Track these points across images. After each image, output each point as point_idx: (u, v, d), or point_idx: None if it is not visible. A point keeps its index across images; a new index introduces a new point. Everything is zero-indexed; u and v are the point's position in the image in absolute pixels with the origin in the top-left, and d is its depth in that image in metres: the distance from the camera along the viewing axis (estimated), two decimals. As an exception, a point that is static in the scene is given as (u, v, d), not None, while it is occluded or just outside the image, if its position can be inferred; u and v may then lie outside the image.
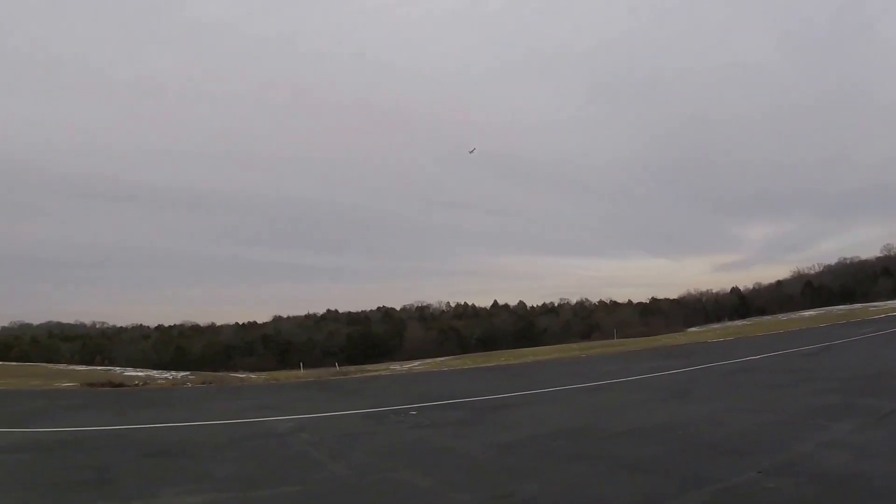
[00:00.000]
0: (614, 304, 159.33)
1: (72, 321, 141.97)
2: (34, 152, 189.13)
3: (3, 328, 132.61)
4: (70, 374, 39.19)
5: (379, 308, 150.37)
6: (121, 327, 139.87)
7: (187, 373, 44.72)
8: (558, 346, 66.58)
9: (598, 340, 71.49)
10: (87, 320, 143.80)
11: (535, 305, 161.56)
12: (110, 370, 46.80)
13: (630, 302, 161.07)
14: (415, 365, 50.98)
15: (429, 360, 59.12)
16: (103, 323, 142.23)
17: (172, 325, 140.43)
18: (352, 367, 53.13)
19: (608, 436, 12.26)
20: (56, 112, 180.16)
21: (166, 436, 14.95)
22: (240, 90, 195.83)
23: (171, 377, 38.28)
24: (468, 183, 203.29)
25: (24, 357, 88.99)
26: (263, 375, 44.73)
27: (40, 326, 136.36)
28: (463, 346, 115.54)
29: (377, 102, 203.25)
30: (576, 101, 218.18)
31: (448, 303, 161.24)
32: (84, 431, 15.71)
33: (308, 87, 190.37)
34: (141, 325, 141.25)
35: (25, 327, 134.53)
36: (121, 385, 31.13)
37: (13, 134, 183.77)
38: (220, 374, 47.54)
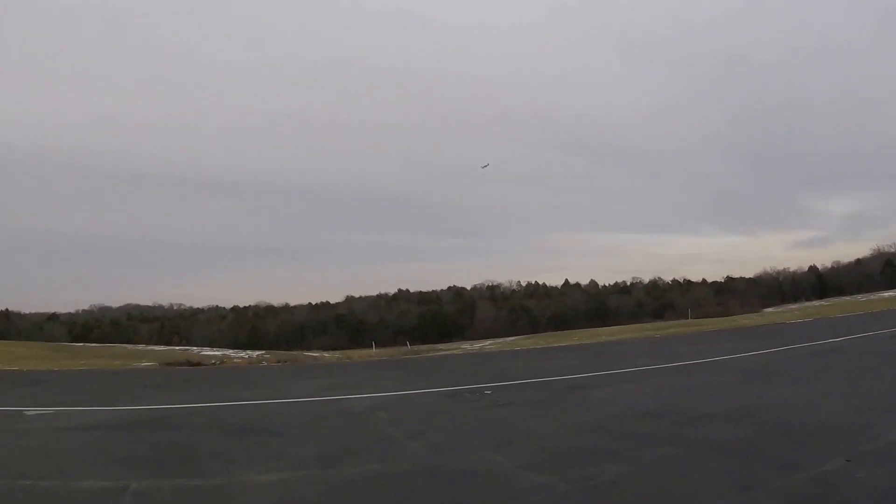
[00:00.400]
0: (688, 282, 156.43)
1: (150, 304, 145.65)
2: (115, 144, 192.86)
3: (84, 311, 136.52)
4: (149, 355, 40.06)
5: (450, 287, 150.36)
6: (197, 308, 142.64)
7: (262, 352, 45.33)
8: (632, 325, 65.65)
9: (672, 320, 70.48)
10: (165, 302, 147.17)
11: (606, 284, 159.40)
12: (188, 350, 47.62)
13: (704, 281, 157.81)
14: (486, 344, 50.84)
15: (500, 340, 58.91)
16: (180, 305, 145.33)
17: (248, 305, 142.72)
18: (423, 347, 53.24)
19: (690, 418, 11.96)
20: (137, 104, 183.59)
21: (244, 414, 15.16)
22: (317, 76, 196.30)
23: (246, 356, 38.85)
24: (538, 159, 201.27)
25: (104, 338, 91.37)
26: (337, 354, 45.13)
27: (119, 309, 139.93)
28: (534, 325, 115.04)
29: (442, 79, 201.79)
30: (655, 79, 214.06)
31: (518, 282, 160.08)
32: (164, 409, 16.00)
33: (383, 69, 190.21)
34: (217, 306, 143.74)
35: (105, 310, 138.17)
36: (198, 364, 31.73)
37: (100, 127, 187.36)
38: (295, 353, 48.03)
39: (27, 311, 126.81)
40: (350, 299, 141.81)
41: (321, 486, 8.32)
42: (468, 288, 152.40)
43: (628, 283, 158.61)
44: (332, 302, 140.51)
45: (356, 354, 42.05)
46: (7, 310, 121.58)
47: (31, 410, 15.79)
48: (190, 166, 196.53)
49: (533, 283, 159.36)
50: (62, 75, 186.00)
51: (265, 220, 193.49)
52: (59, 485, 8.80)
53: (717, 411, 12.39)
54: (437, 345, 60.08)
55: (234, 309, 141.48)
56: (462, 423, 12.61)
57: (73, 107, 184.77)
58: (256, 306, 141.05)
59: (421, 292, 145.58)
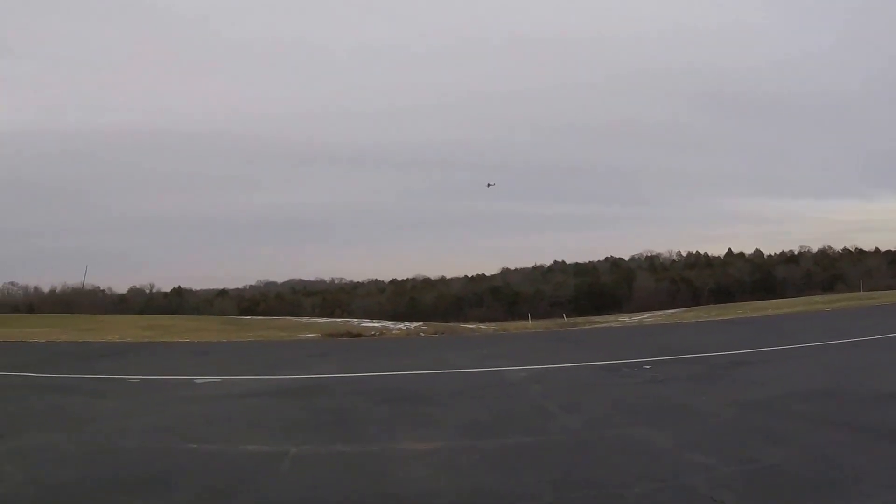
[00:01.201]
0: (860, 252, 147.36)
1: (312, 278, 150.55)
2: (277, 126, 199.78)
3: (251, 286, 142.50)
4: (312, 327, 41.37)
5: (607, 258, 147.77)
6: (357, 282, 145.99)
7: (420, 323, 45.99)
8: (800, 298, 62.80)
9: (843, 293, 66.98)
10: (327, 277, 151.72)
11: (772, 254, 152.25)
12: (349, 322, 48.95)
13: (878, 250, 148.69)
14: (645, 317, 49.87)
15: (659, 313, 57.59)
16: (341, 279, 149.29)
17: (405, 278, 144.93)
18: (580, 319, 52.76)
19: (863, 399, 11.25)
20: (281, 88, 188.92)
21: (402, 383, 15.39)
22: (449, 48, 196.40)
23: (404, 328, 39.49)
24: (695, 123, 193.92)
25: (269, 312, 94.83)
26: (493, 326, 45.37)
27: (284, 284, 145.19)
28: (695, 297, 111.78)
29: (591, 44, 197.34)
30: (820, 32, 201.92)
31: (679, 251, 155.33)
32: (326, 378, 16.50)
33: (523, 38, 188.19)
34: (376, 279, 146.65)
35: (270, 285, 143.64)
36: (358, 335, 32.50)
37: (259, 111, 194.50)
38: (451, 324, 48.63)
39: (198, 288, 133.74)
40: (505, 271, 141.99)
41: (475, 456, 8.33)
42: (626, 258, 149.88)
43: (795, 253, 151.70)
44: (487, 274, 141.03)
45: (512, 326, 42.13)
46: (180, 287, 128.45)
47: (201, 379, 16.61)
48: (348, 145, 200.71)
49: (694, 252, 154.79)
50: (232, 67, 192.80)
51: (422, 193, 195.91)
52: (222, 448, 9.24)
53: (892, 392, 11.71)
54: (593, 317, 59.29)
55: (393, 282, 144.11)
56: (619, 398, 12.35)
57: (248, 96, 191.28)
58: (414, 279, 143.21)
59: (577, 263, 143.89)
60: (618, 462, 7.94)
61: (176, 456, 8.85)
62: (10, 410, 13.05)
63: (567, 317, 56.09)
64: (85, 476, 8.00)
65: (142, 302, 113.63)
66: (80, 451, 9.35)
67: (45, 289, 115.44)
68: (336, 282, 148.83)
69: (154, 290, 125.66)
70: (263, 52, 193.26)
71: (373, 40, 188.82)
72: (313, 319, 58.85)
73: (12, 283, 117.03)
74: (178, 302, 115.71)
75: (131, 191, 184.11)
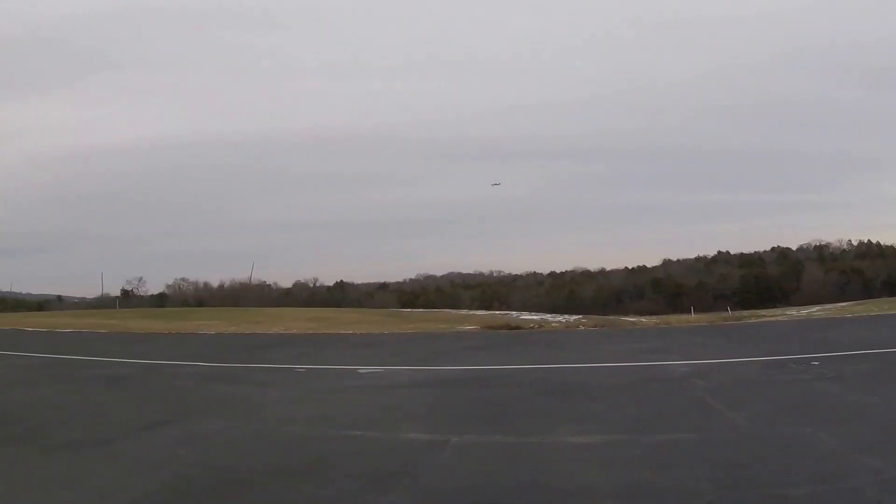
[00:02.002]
0: None
1: (471, 271, 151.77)
2: (432, 123, 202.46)
3: (411, 280, 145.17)
4: (471, 319, 41.80)
5: (773, 248, 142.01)
6: (516, 275, 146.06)
7: (579, 316, 45.62)
8: None
9: None
10: (485, 270, 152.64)
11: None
12: (507, 314, 49.08)
13: None
14: (813, 310, 47.56)
15: (828, 306, 54.73)
16: (500, 271, 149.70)
17: (564, 271, 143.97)
18: (744, 312, 50.94)
19: None
20: (432, 83, 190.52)
21: (561, 376, 15.37)
22: (600, 37, 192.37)
23: (564, 320, 39.27)
24: (864, 103, 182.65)
25: (429, 305, 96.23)
26: (654, 319, 44.42)
27: (443, 277, 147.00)
28: (867, 289, 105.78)
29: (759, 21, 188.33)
30: None
31: (849, 240, 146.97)
32: (486, 370, 16.66)
33: (684, 24, 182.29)
34: (534, 272, 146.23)
35: (430, 279, 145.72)
36: (517, 328, 32.58)
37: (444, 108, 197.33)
38: (611, 317, 47.93)
39: (359, 282, 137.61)
40: (667, 262, 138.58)
41: (636, 451, 8.22)
42: (793, 248, 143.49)
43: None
44: (648, 266, 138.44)
45: (674, 320, 41.15)
46: (342, 281, 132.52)
47: (364, 369, 17.12)
48: (506, 138, 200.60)
49: (865, 241, 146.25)
50: (380, 67, 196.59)
51: (581, 184, 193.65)
52: (385, 436, 9.51)
53: None
54: (759, 310, 57.20)
55: (551, 274, 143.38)
56: (785, 396, 11.89)
57: (400, 93, 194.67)
58: (573, 271, 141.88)
59: (742, 254, 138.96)
60: (782, 461, 7.66)
61: (340, 443, 9.18)
62: (183, 397, 13.87)
63: (731, 310, 54.37)
64: (252, 461, 8.40)
65: (306, 296, 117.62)
66: (247, 437, 9.85)
67: (214, 284, 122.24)
68: (494, 275, 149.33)
69: (317, 285, 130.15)
70: (410, 49, 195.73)
71: (523, 33, 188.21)
72: (472, 312, 59.41)
73: (183, 279, 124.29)
74: (341, 295, 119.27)
75: (296, 191, 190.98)
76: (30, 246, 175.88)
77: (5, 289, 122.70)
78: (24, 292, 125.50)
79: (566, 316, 46.94)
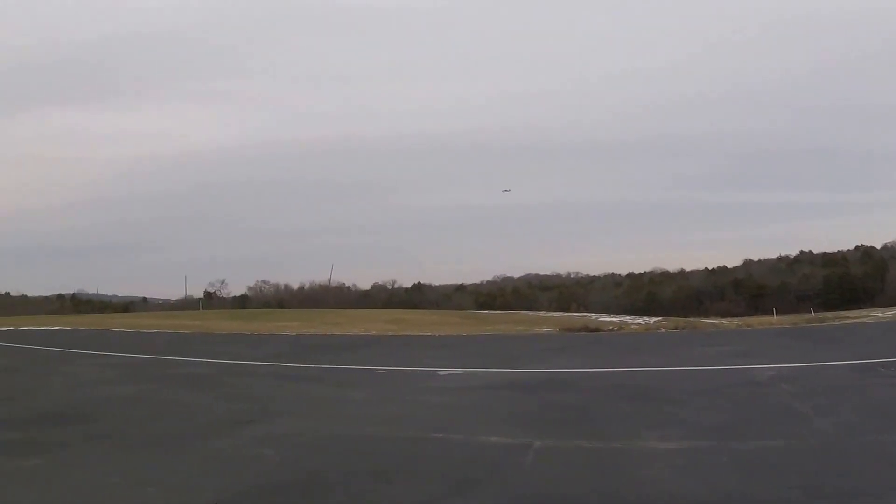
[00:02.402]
0: None
1: (548, 272, 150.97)
2: (510, 121, 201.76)
3: (488, 281, 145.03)
4: (549, 321, 41.54)
5: (857, 247, 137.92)
6: (593, 276, 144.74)
7: (659, 318, 44.98)
8: None
9: None
10: (563, 271, 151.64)
11: None
12: (585, 316, 48.71)
13: None
14: (900, 312, 46.18)
15: (917, 307, 53.12)
16: (577, 273, 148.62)
17: (643, 271, 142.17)
18: (828, 314, 49.67)
19: None
20: (511, 82, 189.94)
21: (643, 379, 15.16)
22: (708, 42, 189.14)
23: (643, 322, 38.80)
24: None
25: (506, 306, 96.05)
26: (735, 321, 43.56)
27: (520, 279, 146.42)
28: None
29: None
30: None
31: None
32: (566, 373, 16.52)
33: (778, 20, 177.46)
34: (612, 273, 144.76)
35: (507, 280, 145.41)
36: (596, 330, 32.31)
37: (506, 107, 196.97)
38: (692, 319, 47.16)
39: (437, 283, 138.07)
40: (748, 263, 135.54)
41: (723, 458, 8.01)
42: (877, 247, 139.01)
43: None
44: (728, 266, 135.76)
45: (755, 321, 40.28)
46: (419, 282, 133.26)
47: (444, 371, 17.15)
48: (583, 137, 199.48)
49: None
50: (471, 66, 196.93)
51: (660, 183, 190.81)
52: (467, 439, 9.44)
53: None
54: (843, 311, 55.66)
55: (630, 275, 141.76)
56: (875, 401, 11.45)
57: (479, 93, 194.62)
58: (651, 272, 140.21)
59: (825, 253, 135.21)
60: (874, 470, 7.37)
61: (422, 445, 9.19)
62: (266, 398, 14.06)
63: (814, 311, 53.05)
64: (336, 461, 8.44)
65: (384, 297, 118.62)
66: (331, 438, 9.91)
67: (294, 286, 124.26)
68: (572, 276, 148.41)
69: (395, 286, 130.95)
70: (501, 46, 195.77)
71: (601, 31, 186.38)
72: (550, 314, 59.08)
73: (264, 282, 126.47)
74: (419, 297, 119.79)
75: (373, 194, 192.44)
76: (116, 249, 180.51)
77: (92, 291, 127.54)
78: (109, 294, 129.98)
79: (645, 318, 46.34)
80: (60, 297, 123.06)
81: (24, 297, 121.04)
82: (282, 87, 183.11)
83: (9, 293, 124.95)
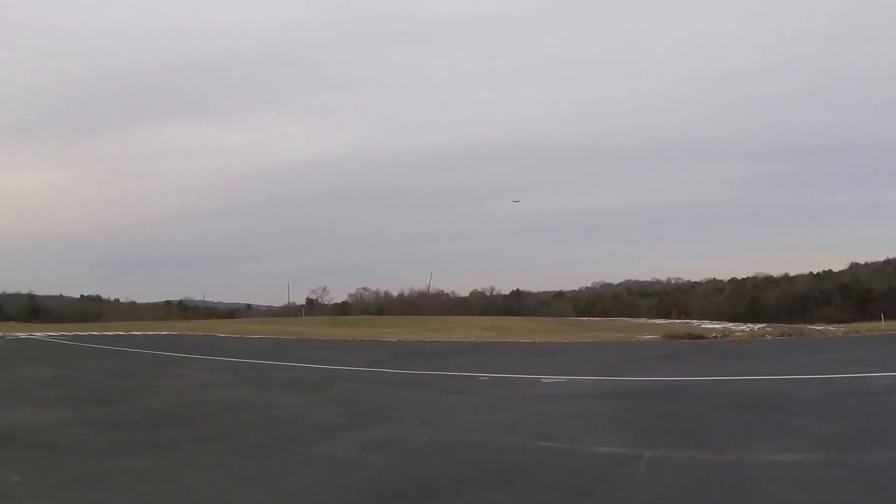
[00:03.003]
0: None
1: (647, 278, 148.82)
2: (608, 126, 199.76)
3: (587, 288, 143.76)
4: (650, 328, 41.02)
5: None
6: (694, 282, 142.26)
7: (764, 325, 43.99)
8: None
9: None
10: (663, 277, 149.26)
11: None
12: (688, 323, 48.00)
13: None
14: None
15: None
16: (678, 278, 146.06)
17: (745, 277, 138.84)
18: (941, 318, 47.62)
19: None
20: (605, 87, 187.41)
21: (752, 388, 14.72)
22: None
23: (747, 329, 37.95)
24: None
25: (605, 313, 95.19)
26: (842, 328, 42.19)
27: (619, 285, 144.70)
28: None
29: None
30: None
31: None
32: (670, 381, 16.18)
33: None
34: (714, 278, 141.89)
35: (606, 286, 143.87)
36: (699, 337, 31.69)
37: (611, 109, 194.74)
38: (797, 326, 45.85)
39: (535, 290, 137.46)
40: (854, 266, 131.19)
41: (842, 472, 7.64)
42: None
43: None
44: (834, 270, 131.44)
45: (864, 328, 38.87)
46: (518, 289, 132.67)
47: (546, 378, 17.00)
48: (683, 139, 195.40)
49: None
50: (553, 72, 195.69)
51: (761, 185, 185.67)
52: (574, 448, 9.26)
53: None
54: (957, 316, 53.26)
55: (732, 281, 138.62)
56: None
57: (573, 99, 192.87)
58: (754, 277, 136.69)
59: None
60: None
61: (528, 454, 9.01)
62: (370, 403, 14.17)
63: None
64: (439, 469, 8.36)
65: (482, 304, 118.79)
66: (435, 444, 9.86)
67: (394, 293, 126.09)
68: (672, 282, 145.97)
69: (494, 293, 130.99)
70: (583, 53, 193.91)
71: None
72: (651, 321, 58.31)
73: (364, 289, 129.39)
74: (517, 303, 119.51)
75: (471, 201, 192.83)
76: (221, 258, 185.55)
77: (198, 298, 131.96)
78: (215, 301, 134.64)
79: (749, 324, 45.28)
80: (168, 303, 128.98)
81: (133, 304, 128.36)
82: (380, 98, 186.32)
83: (119, 300, 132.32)
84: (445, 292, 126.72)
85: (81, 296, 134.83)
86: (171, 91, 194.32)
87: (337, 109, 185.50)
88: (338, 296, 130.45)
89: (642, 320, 60.39)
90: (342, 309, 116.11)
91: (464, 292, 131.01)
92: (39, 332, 44.84)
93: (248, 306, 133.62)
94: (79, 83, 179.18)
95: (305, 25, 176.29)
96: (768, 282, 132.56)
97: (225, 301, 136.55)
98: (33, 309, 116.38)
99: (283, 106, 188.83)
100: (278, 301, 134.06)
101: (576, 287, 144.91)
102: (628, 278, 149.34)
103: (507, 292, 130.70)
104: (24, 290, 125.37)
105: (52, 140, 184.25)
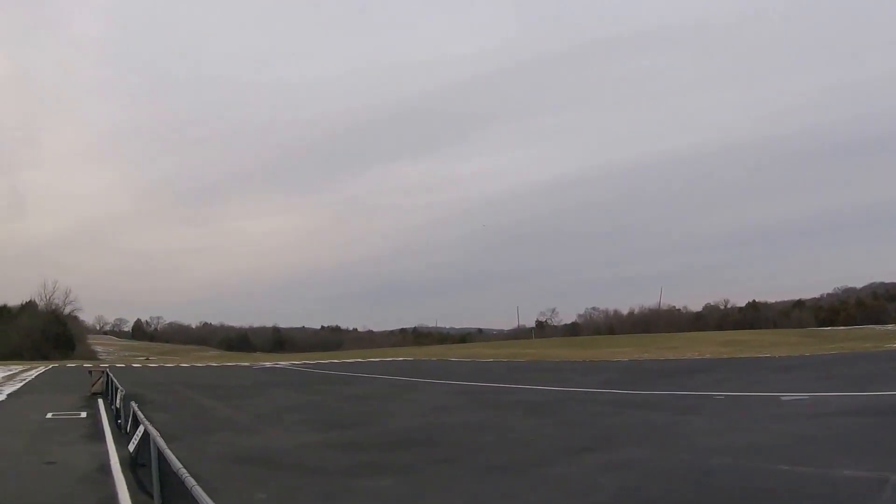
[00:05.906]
0: None
1: (895, 280, 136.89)
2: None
3: (828, 294, 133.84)
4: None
5: None
6: None
7: None
8: None
9: None
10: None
11: None
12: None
13: None
14: None
15: None
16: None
17: None
18: None
19: None
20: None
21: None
22: None
23: None
24: None
25: (850, 321, 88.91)
26: None
27: (864, 288, 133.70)
28: None
29: None
30: None
31: None
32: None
33: None
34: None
35: (849, 291, 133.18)
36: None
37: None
38: None
39: (773, 300, 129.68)
40: None
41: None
42: None
43: None
44: None
45: None
46: (754, 300, 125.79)
47: (786, 396, 16.00)
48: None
49: None
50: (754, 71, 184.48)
51: None
52: (815, 472, 8.55)
53: None
54: None
55: None
56: None
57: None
58: None
59: None
60: None
61: (766, 478, 8.45)
62: (602, 425, 13.90)
63: None
64: (674, 493, 8.01)
65: (717, 318, 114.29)
66: (670, 467, 9.48)
67: (624, 311, 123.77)
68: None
69: (728, 306, 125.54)
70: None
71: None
72: (903, 327, 53.58)
73: (594, 308, 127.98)
74: (754, 316, 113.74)
75: (699, 210, 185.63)
76: (453, 285, 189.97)
77: (431, 325, 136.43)
78: (447, 326, 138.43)
79: None
80: (402, 330, 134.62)
81: (370, 332, 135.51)
82: (592, 115, 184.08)
83: (356, 329, 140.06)
84: (677, 308, 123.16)
85: (322, 326, 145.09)
86: (400, 128, 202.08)
87: (552, 131, 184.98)
88: (567, 317, 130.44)
89: (891, 327, 55.48)
90: (572, 330, 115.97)
91: (696, 307, 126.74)
92: (284, 361, 47.87)
93: (480, 330, 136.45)
94: (310, 128, 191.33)
95: (511, 52, 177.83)
96: None
97: (457, 326, 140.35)
98: (278, 340, 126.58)
99: (502, 133, 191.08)
100: (508, 325, 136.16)
101: (816, 294, 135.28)
102: (873, 280, 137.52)
103: (743, 304, 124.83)
104: (269, 324, 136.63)
105: (291, 186, 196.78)
